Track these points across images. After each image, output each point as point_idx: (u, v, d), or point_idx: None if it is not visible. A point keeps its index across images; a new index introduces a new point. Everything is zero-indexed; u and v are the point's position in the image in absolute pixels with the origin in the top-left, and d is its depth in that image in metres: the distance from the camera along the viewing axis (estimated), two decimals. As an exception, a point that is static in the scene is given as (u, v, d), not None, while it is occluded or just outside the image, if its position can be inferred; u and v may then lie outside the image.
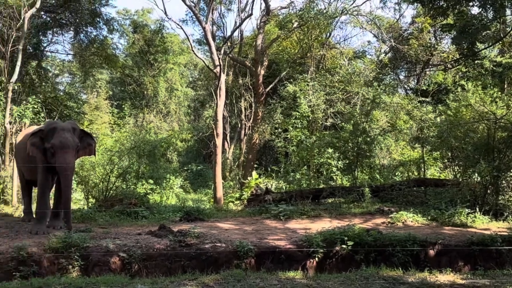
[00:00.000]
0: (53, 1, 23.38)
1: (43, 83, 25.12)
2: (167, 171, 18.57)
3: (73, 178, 12.57)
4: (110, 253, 10.13)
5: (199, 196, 21.55)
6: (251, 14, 23.05)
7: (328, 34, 26.36)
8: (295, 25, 23.60)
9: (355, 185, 17.18)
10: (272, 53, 27.07)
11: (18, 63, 18.40)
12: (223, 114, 23.15)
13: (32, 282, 8.24)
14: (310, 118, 20.96)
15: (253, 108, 26.18)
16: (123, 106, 30.70)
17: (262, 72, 24.10)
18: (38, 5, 18.79)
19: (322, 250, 10.20)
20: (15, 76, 18.06)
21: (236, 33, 26.13)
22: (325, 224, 12.29)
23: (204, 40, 23.86)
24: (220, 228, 12.36)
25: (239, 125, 29.59)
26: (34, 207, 12.68)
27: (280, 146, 21.30)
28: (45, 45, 25.42)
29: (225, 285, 7.87)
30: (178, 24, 22.01)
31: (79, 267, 9.78)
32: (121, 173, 15.47)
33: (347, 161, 18.06)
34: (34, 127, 13.18)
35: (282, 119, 21.74)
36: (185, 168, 27.52)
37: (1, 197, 16.31)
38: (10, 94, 17.56)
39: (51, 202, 12.63)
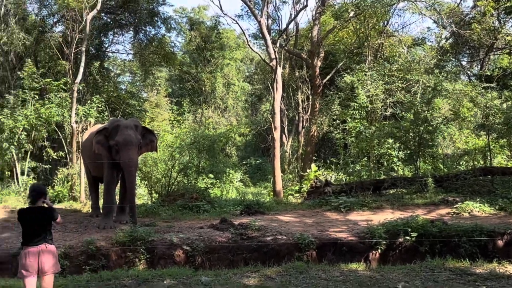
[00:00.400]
0: (113, 3, 24.08)
1: (106, 83, 25.94)
2: (227, 166, 18.77)
3: (136, 174, 12.91)
4: (174, 246, 10.38)
5: (258, 189, 21.67)
6: (306, 6, 22.83)
7: (385, 22, 25.79)
8: (351, 14, 23.19)
9: (418, 175, 16.78)
10: (328, 44, 26.78)
11: (82, 64, 19.10)
12: (280, 107, 23.13)
13: (101, 275, 8.55)
14: (369, 109, 20.59)
15: (310, 100, 25.99)
16: (182, 102, 31.24)
17: (319, 63, 23.86)
18: (98, 7, 19.41)
19: (385, 242, 10.05)
20: (79, 77, 18.77)
21: (291, 26, 25.99)
22: (387, 216, 12.09)
23: (260, 34, 23.86)
24: (280, 221, 12.39)
25: (297, 118, 29.50)
26: (101, 202, 13.11)
27: (339, 138, 21.04)
28: (106, 45, 26.29)
29: (288, 277, 7.89)
30: (234, 19, 22.06)
31: (145, 260, 10.08)
32: (182, 168, 15.79)
33: (408, 151, 17.64)
34: (99, 126, 13.66)
35: (340, 111, 21.45)
36: (244, 162, 27.74)
37: (70, 193, 16.99)
38: (75, 94, 18.28)
39: (117, 197, 13.07)
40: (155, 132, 14.87)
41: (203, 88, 32.01)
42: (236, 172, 19.41)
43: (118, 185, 13.08)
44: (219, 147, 17.89)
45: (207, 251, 10.23)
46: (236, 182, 17.79)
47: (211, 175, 16.72)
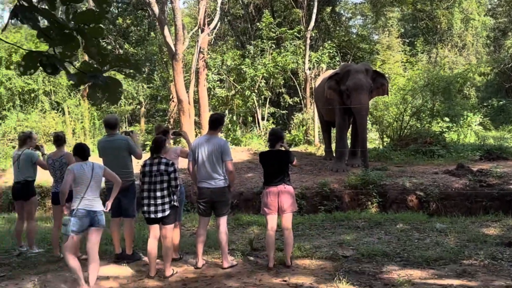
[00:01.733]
0: None
1: (337, 28, 26.09)
2: (464, 108, 17.50)
3: (367, 118, 12.90)
4: (407, 191, 10.24)
5: (501, 133, 19.79)
6: None
7: None
8: None
9: None
10: None
11: (314, 11, 19.52)
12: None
13: (335, 215, 8.91)
14: None
15: None
16: (415, 43, 29.80)
17: None
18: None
19: None
20: (311, 24, 19.25)
21: None
22: None
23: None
24: (526, 168, 11.22)
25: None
26: (333, 146, 13.49)
27: None
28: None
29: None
30: None
31: (377, 204, 10.17)
32: (414, 111, 15.24)
33: None
34: (330, 71, 13.90)
35: None
36: (484, 104, 25.56)
37: (305, 137, 17.85)
38: (308, 41, 18.82)
39: (349, 142, 13.31)
40: (386, 75, 14.56)
41: (438, 26, 29.94)
42: (475, 114, 17.96)
43: (350, 129, 13.26)
44: (456, 89, 16.73)
45: (442, 198, 9.88)
46: (475, 125, 16.49)
47: (447, 119, 15.79)
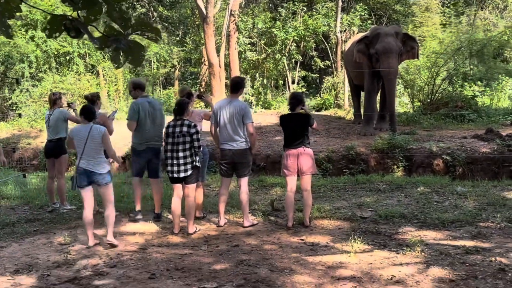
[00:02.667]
0: None
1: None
2: (501, 72, 17.04)
3: (396, 82, 12.77)
4: (434, 155, 10.23)
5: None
6: None
7: None
8: None
9: None
10: None
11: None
12: None
13: (358, 178, 9.03)
14: None
15: None
16: (457, 3, 28.78)
17: None
18: None
19: None
20: (343, -15, 18.84)
21: None
22: None
23: None
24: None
25: None
26: (362, 110, 13.47)
27: None
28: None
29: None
30: None
31: (403, 167, 10.22)
32: (446, 75, 14.98)
33: None
34: (361, 35, 13.76)
35: None
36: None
37: (335, 101, 17.80)
38: (340, 3, 18.50)
39: (378, 105, 13.25)
40: (421, 38, 14.30)
41: None
42: (511, 78, 17.42)
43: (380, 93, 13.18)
44: (490, 52, 16.30)
45: (468, 162, 9.84)
46: (510, 89, 16.07)
47: (480, 83, 15.44)
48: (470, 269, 4.38)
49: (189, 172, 5.90)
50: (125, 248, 5.50)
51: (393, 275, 4.32)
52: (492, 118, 13.19)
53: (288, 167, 6.08)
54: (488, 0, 28.05)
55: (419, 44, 14.63)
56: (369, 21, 19.62)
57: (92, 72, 19.46)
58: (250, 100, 18.71)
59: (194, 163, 5.94)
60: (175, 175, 5.91)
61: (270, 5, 24.94)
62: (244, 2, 21.83)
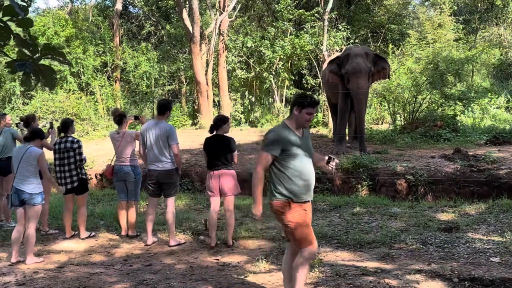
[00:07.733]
0: None
1: (361, 10, 25.41)
2: (480, 91, 16.89)
3: (366, 102, 12.78)
4: (397, 175, 10.24)
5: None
6: None
7: None
8: None
9: None
10: None
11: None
12: None
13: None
14: None
15: None
16: (467, 21, 28.34)
17: None
18: None
19: None
20: (329, 5, 18.75)
21: None
22: None
23: None
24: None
25: None
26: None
27: None
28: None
29: (486, 215, 7.14)
30: None
31: (367, 187, 10.24)
32: (427, 95, 14.88)
33: None
34: (336, 55, 13.88)
35: None
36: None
37: (322, 119, 17.89)
38: (326, 23, 18.61)
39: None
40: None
41: (494, 2, 28.36)
42: (497, 97, 17.15)
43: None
44: (466, 72, 16.14)
45: (430, 182, 9.83)
46: (493, 108, 15.91)
47: (459, 102, 15.31)
48: (352, 291, 4.45)
49: (75, 184, 6.63)
50: (45, 267, 5.66)
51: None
52: (468, 138, 13.12)
53: (211, 188, 6.20)
54: (503, 17, 27.55)
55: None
56: (351, 40, 19.75)
57: (83, 90, 19.83)
58: (239, 118, 18.90)
59: (80, 175, 6.67)
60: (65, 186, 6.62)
61: (261, 24, 25.19)
62: (233, 22, 22.09)
